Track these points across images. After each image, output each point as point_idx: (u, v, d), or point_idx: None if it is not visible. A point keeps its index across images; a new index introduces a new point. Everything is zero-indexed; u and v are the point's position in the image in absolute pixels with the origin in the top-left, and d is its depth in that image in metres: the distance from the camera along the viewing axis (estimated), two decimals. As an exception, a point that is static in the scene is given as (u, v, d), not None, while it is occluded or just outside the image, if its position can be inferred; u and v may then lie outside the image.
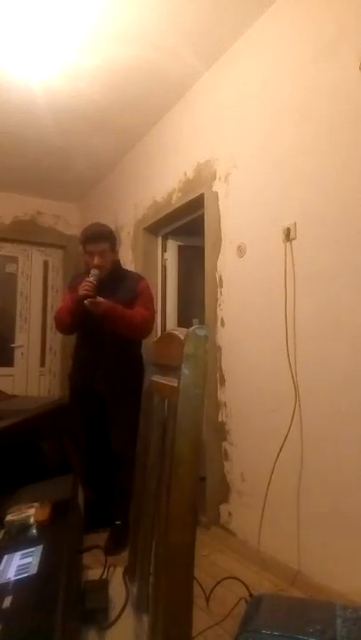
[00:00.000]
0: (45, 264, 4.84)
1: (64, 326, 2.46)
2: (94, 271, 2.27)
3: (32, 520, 1.29)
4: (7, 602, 0.92)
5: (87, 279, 2.22)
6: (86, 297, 2.17)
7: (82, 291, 2.19)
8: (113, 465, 2.33)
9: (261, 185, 2.20)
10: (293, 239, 1.98)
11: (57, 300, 4.63)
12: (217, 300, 2.52)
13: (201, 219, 2.71)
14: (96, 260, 2.32)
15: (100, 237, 2.35)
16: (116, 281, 2.40)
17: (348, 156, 1.74)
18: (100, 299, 2.17)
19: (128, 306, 2.28)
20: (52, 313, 4.64)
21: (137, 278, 2.51)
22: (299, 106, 1.98)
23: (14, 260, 4.70)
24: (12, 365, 4.56)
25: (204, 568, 1.95)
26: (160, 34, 2.34)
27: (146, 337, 2.42)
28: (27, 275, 4.73)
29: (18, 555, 1.13)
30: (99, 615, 1.08)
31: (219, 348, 2.47)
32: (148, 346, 2.40)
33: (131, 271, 2.75)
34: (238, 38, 2.38)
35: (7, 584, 1.00)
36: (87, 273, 2.33)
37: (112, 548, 2.01)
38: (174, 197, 3.00)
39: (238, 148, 2.38)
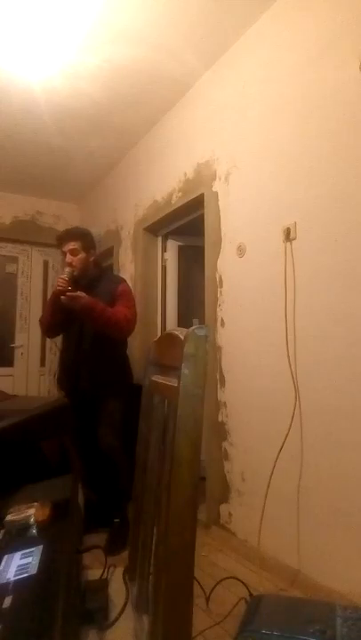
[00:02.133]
0: (45, 264, 4.84)
1: (45, 328, 2.52)
2: (67, 269, 2.32)
3: (32, 520, 1.29)
4: (7, 602, 0.92)
5: (60, 276, 2.27)
6: (60, 293, 2.19)
7: (55, 288, 2.25)
8: (102, 462, 2.34)
9: (261, 185, 2.20)
10: (293, 239, 1.98)
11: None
12: (217, 299, 2.52)
13: (201, 219, 2.71)
14: (67, 258, 2.37)
15: (67, 236, 2.41)
16: (94, 283, 2.42)
17: (349, 155, 1.74)
18: (80, 293, 2.17)
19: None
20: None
21: (116, 281, 2.54)
22: (299, 106, 1.98)
23: (14, 259, 4.70)
24: (12, 365, 4.56)
25: (204, 568, 1.95)
26: (160, 34, 2.34)
27: (127, 336, 2.44)
28: (27, 275, 4.73)
29: (18, 555, 1.13)
30: (99, 615, 1.08)
31: (219, 348, 2.47)
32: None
33: (111, 274, 2.79)
34: (238, 38, 2.38)
35: (7, 584, 1.00)
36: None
37: (111, 549, 2.01)
38: (174, 197, 3.00)
39: (238, 147, 2.38)
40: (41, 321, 2.51)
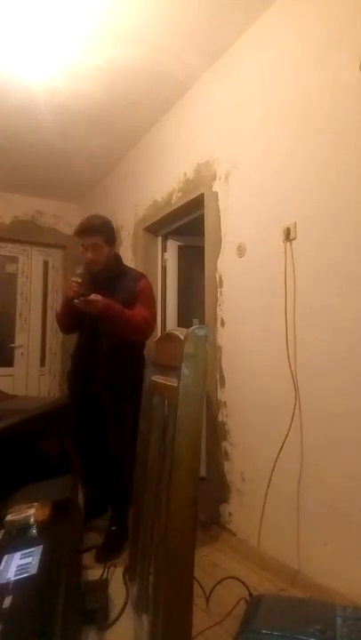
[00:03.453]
0: (45, 264, 4.84)
1: (60, 327, 2.46)
2: (79, 270, 2.16)
3: (32, 520, 1.29)
4: (7, 602, 0.92)
5: (72, 279, 2.12)
6: (72, 298, 2.06)
7: (68, 292, 2.12)
8: (110, 467, 2.29)
9: (261, 185, 2.20)
10: (293, 239, 1.98)
11: (58, 300, 4.64)
12: (217, 299, 2.52)
13: (201, 219, 2.71)
14: (89, 255, 2.22)
15: (90, 230, 2.21)
16: (115, 279, 2.28)
17: (349, 156, 1.74)
18: (95, 296, 2.04)
19: (127, 306, 2.16)
20: (52, 313, 4.65)
21: (137, 277, 2.36)
22: (299, 106, 1.98)
23: (14, 259, 4.70)
24: (12, 365, 4.56)
25: (204, 568, 1.95)
26: (160, 34, 2.34)
27: (147, 338, 2.30)
28: (27, 275, 4.73)
29: (18, 555, 1.13)
30: (99, 615, 1.08)
31: (219, 348, 2.47)
32: (148, 346, 2.39)
33: (131, 269, 2.61)
34: (238, 38, 2.38)
35: (7, 584, 1.00)
36: (86, 268, 2.25)
37: (103, 556, 1.95)
38: (174, 197, 3.00)
39: (238, 147, 2.38)
40: (57, 319, 2.43)
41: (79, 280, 2.12)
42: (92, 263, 2.22)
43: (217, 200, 2.54)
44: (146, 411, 1.28)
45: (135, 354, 2.29)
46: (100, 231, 2.23)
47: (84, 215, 4.72)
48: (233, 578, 1.77)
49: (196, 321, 3.48)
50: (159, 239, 3.54)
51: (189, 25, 2.28)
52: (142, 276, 2.42)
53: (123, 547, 2.07)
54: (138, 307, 2.19)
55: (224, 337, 2.45)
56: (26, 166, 3.94)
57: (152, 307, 2.29)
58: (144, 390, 1.32)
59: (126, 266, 2.54)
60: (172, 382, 0.87)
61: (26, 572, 1.04)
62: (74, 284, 2.11)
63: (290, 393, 1.93)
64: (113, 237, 2.31)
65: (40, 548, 1.15)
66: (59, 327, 2.49)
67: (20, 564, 1.08)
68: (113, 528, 2.21)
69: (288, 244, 2.00)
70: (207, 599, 1.65)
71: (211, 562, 2.07)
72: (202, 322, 3.08)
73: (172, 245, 3.52)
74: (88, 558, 1.67)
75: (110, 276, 2.28)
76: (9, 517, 1.31)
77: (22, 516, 1.31)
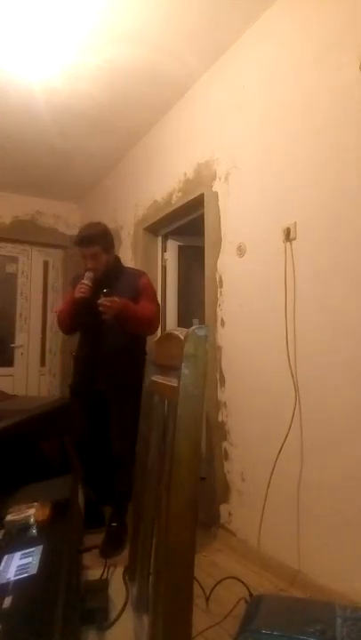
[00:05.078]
0: (45, 264, 4.84)
1: (64, 328, 2.47)
2: (89, 273, 2.25)
3: (32, 520, 1.29)
4: (7, 602, 0.92)
5: (82, 281, 2.21)
6: (83, 299, 2.17)
7: (78, 294, 2.19)
8: (112, 465, 2.32)
9: (261, 185, 2.20)
10: (293, 239, 1.98)
11: (58, 300, 4.63)
12: (217, 299, 2.52)
13: (201, 219, 2.71)
14: (88, 264, 2.31)
15: (90, 241, 2.30)
16: (115, 279, 2.36)
17: (349, 155, 1.74)
18: (114, 298, 2.13)
19: (131, 302, 2.25)
20: (52, 313, 4.65)
21: (138, 274, 2.49)
22: (299, 106, 1.98)
23: (14, 259, 4.70)
24: (12, 365, 4.56)
25: (204, 568, 1.95)
26: (160, 34, 2.34)
27: (155, 332, 2.40)
28: (27, 275, 4.73)
29: (18, 555, 1.13)
30: (99, 615, 1.09)
31: (219, 348, 2.47)
32: (149, 345, 2.40)
33: (131, 268, 2.71)
34: (238, 38, 2.38)
35: (7, 584, 1.00)
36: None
37: (108, 551, 1.99)
38: (174, 197, 3.00)
39: (238, 147, 2.38)
40: (60, 319, 2.42)
41: (90, 284, 2.19)
42: (92, 271, 2.30)
43: (217, 200, 2.54)
44: (146, 411, 1.28)
45: (139, 350, 2.38)
46: (98, 241, 2.32)
47: (85, 215, 4.76)
48: (233, 578, 1.77)
49: (196, 321, 3.48)
50: (159, 239, 3.54)
51: (189, 25, 2.28)
52: (142, 273, 2.54)
53: (124, 541, 2.11)
54: (143, 302, 2.30)
55: (224, 337, 2.45)
56: (26, 166, 3.94)
57: (156, 301, 2.42)
58: (144, 390, 1.32)
59: (125, 266, 2.62)
60: (172, 382, 0.87)
61: (26, 572, 1.04)
62: (84, 287, 2.18)
63: (290, 393, 1.93)
64: (111, 244, 2.40)
65: (40, 548, 1.15)
66: (61, 327, 2.50)
67: (20, 564, 1.08)
68: (113, 524, 2.25)
69: (288, 243, 2.00)
70: (207, 599, 1.65)
71: (211, 562, 2.07)
72: (202, 322, 3.08)
73: (172, 245, 3.52)
74: (88, 558, 1.67)
75: (111, 277, 2.35)
76: (9, 517, 1.31)
77: (22, 515, 1.31)
